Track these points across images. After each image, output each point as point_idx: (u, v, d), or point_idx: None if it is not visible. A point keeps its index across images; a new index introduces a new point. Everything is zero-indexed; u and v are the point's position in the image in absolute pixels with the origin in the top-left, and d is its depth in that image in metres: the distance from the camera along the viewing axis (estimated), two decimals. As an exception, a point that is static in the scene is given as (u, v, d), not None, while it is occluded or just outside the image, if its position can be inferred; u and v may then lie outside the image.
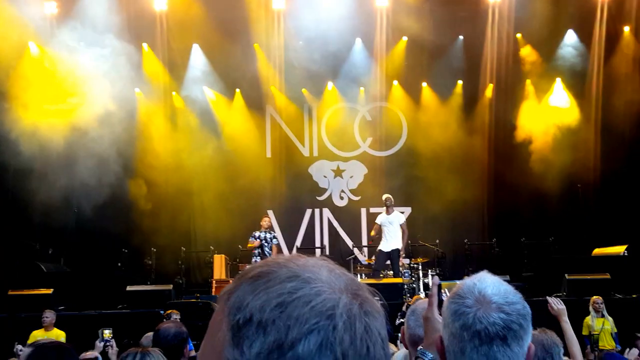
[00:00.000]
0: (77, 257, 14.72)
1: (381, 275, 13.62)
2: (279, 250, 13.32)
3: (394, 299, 11.41)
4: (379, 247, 13.32)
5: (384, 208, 13.42)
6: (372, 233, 13.58)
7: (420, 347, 2.01)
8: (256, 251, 13.26)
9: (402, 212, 14.46)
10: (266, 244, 13.26)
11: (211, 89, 17.20)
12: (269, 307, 0.84)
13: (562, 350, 3.02)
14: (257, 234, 13.50)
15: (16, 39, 14.14)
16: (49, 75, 14.89)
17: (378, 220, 13.50)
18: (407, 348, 3.00)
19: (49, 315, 9.71)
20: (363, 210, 17.30)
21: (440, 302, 1.93)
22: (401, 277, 13.22)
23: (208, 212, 16.39)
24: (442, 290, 2.03)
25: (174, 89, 16.91)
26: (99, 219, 14.97)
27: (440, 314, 1.78)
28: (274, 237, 13.45)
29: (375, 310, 0.90)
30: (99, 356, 5.67)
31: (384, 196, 13.48)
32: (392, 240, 13.09)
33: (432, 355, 1.94)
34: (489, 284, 1.61)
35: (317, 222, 17.55)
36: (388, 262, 13.42)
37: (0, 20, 13.69)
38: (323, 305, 0.84)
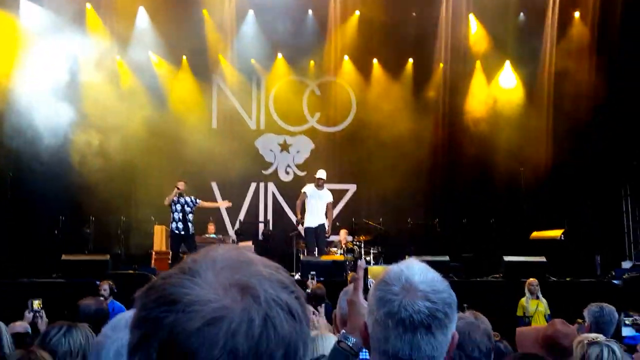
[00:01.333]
0: (12, 223, 14.25)
1: (329, 250, 13.54)
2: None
3: (337, 276, 11.43)
4: (306, 225, 13.15)
5: (315, 182, 13.20)
6: (299, 216, 13.30)
7: (343, 330, 2.01)
8: (176, 216, 12.87)
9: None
10: (188, 208, 12.89)
11: (156, 55, 16.79)
12: None
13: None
14: (182, 200, 13.00)
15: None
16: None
17: (307, 190, 13.22)
18: (338, 330, 2.97)
19: None
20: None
21: (366, 286, 1.93)
22: (343, 254, 13.22)
23: (150, 181, 15.86)
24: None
25: (118, 52, 16.39)
26: (38, 183, 14.55)
27: (366, 299, 1.74)
28: (193, 198, 13.03)
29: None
30: (29, 327, 5.50)
31: (321, 172, 13.29)
32: (319, 215, 12.98)
33: (355, 340, 1.94)
34: (417, 272, 1.58)
35: (261, 196, 17.44)
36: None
37: None
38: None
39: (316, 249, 13.05)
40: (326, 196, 13.14)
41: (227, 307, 0.83)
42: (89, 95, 15.56)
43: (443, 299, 1.53)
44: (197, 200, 12.93)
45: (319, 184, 13.05)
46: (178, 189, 12.71)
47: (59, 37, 14.70)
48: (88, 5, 15.84)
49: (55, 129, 14.42)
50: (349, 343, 1.96)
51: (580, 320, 6.17)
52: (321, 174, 13.17)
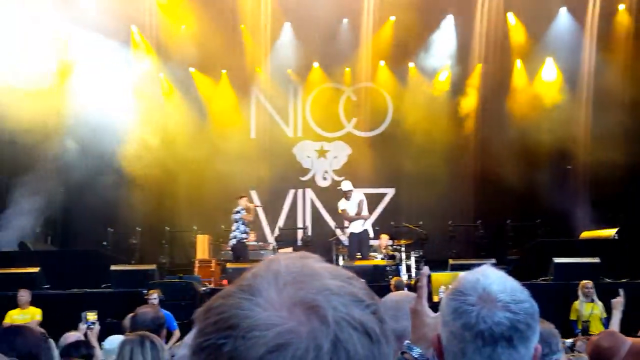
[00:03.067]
0: (63, 235, 14.58)
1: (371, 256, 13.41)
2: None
3: (378, 281, 11.35)
4: (350, 230, 13.10)
5: (343, 196, 13.00)
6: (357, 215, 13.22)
7: (407, 341, 1.89)
8: (242, 227, 12.97)
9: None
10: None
11: (198, 70, 17.15)
12: None
13: (560, 342, 2.91)
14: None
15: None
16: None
17: (341, 206, 13.09)
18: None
19: (24, 294, 9.76)
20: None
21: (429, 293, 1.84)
22: (384, 259, 13.10)
23: (192, 192, 16.31)
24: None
25: (162, 70, 16.81)
26: (86, 196, 15.09)
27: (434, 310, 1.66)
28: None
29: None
30: (82, 338, 5.56)
31: (345, 184, 13.08)
32: (360, 221, 12.89)
33: (420, 351, 1.83)
34: (494, 280, 1.48)
35: (299, 203, 17.50)
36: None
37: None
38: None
39: (359, 254, 12.94)
40: (356, 198, 12.93)
41: (292, 331, 0.75)
42: (135, 111, 15.94)
43: (525, 309, 1.43)
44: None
45: (347, 197, 12.89)
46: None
47: (105, 59, 15.39)
48: (134, 27, 16.45)
49: (102, 144, 14.84)
50: (413, 354, 1.84)
51: None
52: (346, 185, 13.02)
